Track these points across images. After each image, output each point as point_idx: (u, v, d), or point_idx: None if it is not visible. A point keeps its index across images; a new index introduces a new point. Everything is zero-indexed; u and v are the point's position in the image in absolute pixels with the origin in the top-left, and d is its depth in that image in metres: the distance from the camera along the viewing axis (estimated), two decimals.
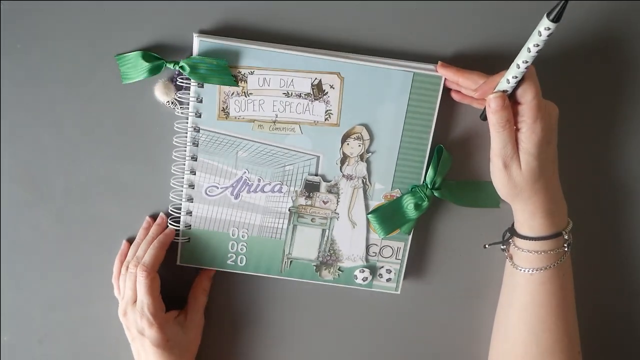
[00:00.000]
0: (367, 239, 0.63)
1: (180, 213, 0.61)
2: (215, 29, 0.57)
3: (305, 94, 0.58)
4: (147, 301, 0.58)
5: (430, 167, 0.61)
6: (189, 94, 0.58)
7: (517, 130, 0.54)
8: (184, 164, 0.60)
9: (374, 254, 0.63)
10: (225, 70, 0.57)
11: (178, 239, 0.62)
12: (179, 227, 0.62)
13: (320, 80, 0.58)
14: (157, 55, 0.57)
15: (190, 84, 0.58)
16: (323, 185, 0.61)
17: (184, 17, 0.57)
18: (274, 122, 0.59)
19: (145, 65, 0.56)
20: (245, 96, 0.58)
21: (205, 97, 0.58)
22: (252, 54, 0.57)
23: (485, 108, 0.54)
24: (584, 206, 0.64)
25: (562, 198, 0.58)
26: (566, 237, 0.58)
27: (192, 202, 0.61)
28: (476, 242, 0.65)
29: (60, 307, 0.64)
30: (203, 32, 0.57)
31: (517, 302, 0.60)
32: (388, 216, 0.61)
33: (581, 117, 0.62)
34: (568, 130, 0.60)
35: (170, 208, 0.62)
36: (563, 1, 0.44)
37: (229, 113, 0.59)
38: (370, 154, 0.60)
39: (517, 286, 0.60)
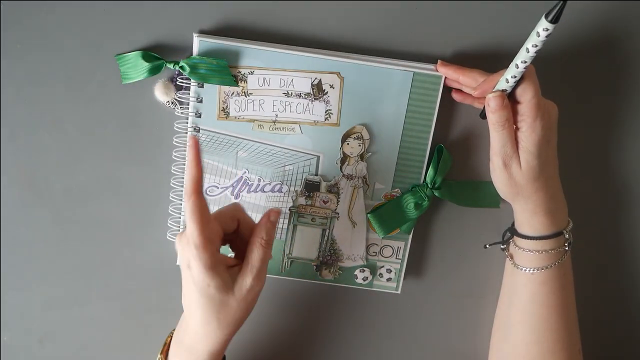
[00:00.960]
0: (367, 238, 0.63)
1: (180, 213, 0.61)
2: (215, 29, 0.57)
3: (305, 94, 0.58)
4: (191, 227, 0.48)
5: (430, 167, 0.61)
6: (189, 94, 0.58)
7: (517, 129, 0.54)
8: (184, 164, 0.60)
9: (374, 254, 0.63)
10: (225, 70, 0.57)
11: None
12: (179, 227, 0.62)
13: (320, 80, 0.58)
14: (157, 55, 0.57)
15: (190, 84, 0.58)
16: (323, 185, 0.61)
17: (184, 17, 0.57)
18: (274, 122, 0.59)
19: (145, 65, 0.56)
20: (245, 96, 0.58)
21: (205, 97, 0.58)
22: (252, 54, 0.57)
23: (485, 107, 0.54)
24: (584, 206, 0.64)
25: (563, 197, 0.58)
26: (567, 236, 0.58)
27: None
28: (476, 242, 0.65)
29: (60, 307, 0.64)
30: (203, 32, 0.57)
31: (517, 301, 0.60)
32: (388, 216, 0.61)
33: (581, 117, 0.62)
34: (568, 130, 0.60)
35: (170, 208, 0.62)
36: (561, 2, 0.44)
37: (229, 113, 0.59)
38: (370, 153, 0.60)
39: (518, 286, 0.60)
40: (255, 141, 0.60)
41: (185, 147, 0.59)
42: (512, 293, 0.61)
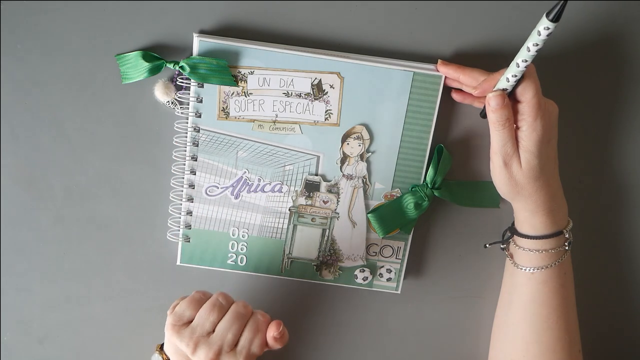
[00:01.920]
0: (367, 238, 0.63)
1: (180, 213, 0.61)
2: (215, 29, 0.57)
3: (305, 94, 0.58)
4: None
5: (430, 167, 0.61)
6: (189, 94, 0.58)
7: (517, 128, 0.54)
8: (184, 164, 0.60)
9: (374, 254, 0.63)
10: (225, 70, 0.57)
11: (178, 239, 0.62)
12: (179, 227, 0.62)
13: (320, 80, 0.58)
14: (157, 55, 0.57)
15: (190, 84, 0.58)
16: (323, 185, 0.61)
17: (184, 17, 0.57)
18: (274, 122, 0.59)
19: (145, 65, 0.56)
20: (245, 96, 0.58)
21: (205, 97, 0.58)
22: (252, 54, 0.57)
23: (485, 106, 0.54)
24: (584, 206, 0.64)
25: (563, 196, 0.58)
26: (567, 235, 0.58)
27: (192, 202, 0.61)
28: (476, 242, 0.65)
29: (60, 307, 0.64)
30: (203, 32, 0.57)
31: (517, 300, 0.60)
32: (388, 216, 0.61)
33: (581, 116, 0.62)
34: (568, 129, 0.60)
35: (170, 208, 0.62)
36: (562, 1, 0.44)
37: (229, 113, 0.59)
38: (370, 153, 0.60)
39: (518, 285, 0.60)
40: (255, 141, 0.60)
41: (185, 147, 0.59)
42: (512, 292, 0.61)
